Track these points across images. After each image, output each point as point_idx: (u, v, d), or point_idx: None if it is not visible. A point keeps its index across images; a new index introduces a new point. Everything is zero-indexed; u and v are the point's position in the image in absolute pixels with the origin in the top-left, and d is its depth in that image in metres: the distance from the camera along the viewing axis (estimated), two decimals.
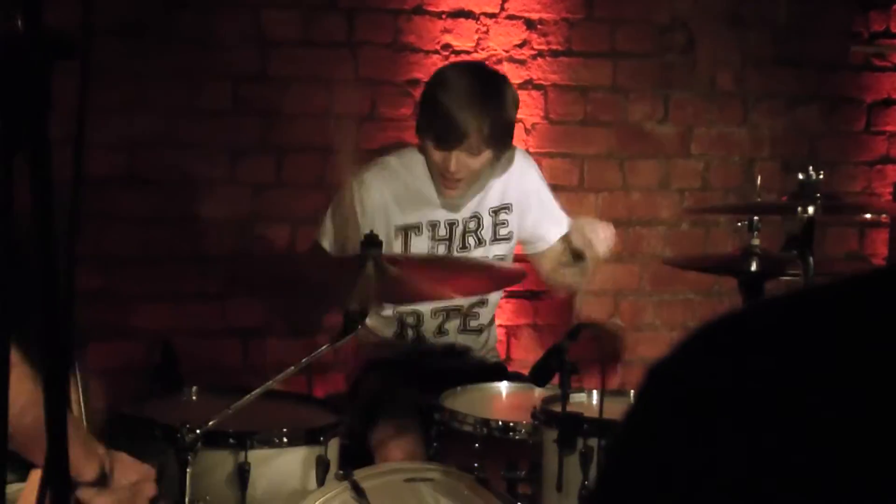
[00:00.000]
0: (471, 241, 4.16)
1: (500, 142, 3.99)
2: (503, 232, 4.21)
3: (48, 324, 1.35)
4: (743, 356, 0.84)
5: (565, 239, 4.19)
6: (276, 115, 4.89)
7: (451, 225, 4.13)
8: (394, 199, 4.08)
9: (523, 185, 4.24)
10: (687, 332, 0.89)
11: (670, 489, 0.83)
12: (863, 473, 0.77)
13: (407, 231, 4.09)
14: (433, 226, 4.12)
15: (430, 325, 4.20)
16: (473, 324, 4.26)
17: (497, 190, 4.18)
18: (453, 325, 4.22)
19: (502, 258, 4.21)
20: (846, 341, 0.82)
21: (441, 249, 4.12)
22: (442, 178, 4.01)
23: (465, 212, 4.14)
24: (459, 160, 3.93)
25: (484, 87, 3.98)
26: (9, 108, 1.28)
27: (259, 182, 4.89)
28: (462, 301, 4.18)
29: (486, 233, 4.18)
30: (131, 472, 2.34)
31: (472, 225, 4.16)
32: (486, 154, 3.95)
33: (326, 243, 4.08)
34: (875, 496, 0.77)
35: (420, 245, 4.10)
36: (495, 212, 4.18)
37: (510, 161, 4.16)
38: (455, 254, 4.13)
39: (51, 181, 1.30)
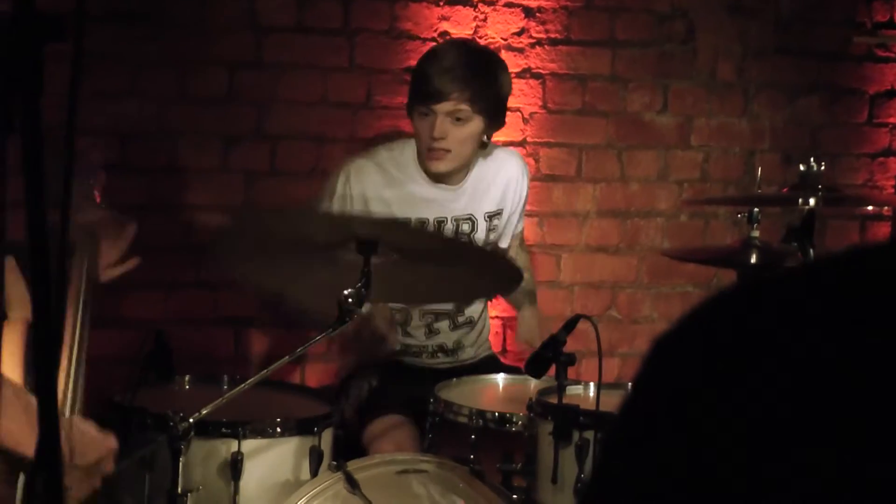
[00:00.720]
0: None
1: (489, 114, 3.99)
2: (492, 237, 4.20)
3: (39, 310, 1.32)
4: (748, 330, 0.83)
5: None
6: (271, 103, 4.85)
7: (440, 223, 4.09)
8: (382, 193, 4.03)
9: (518, 192, 4.28)
10: (695, 305, 0.88)
11: (673, 460, 0.82)
12: (863, 466, 0.76)
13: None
14: (422, 224, 4.07)
15: (416, 324, 4.17)
16: (462, 319, 4.22)
17: (495, 194, 4.17)
18: (443, 324, 4.19)
19: None
20: (852, 318, 0.81)
21: None
22: (427, 150, 3.98)
23: (458, 211, 4.10)
24: (444, 126, 3.92)
25: (470, 56, 4.02)
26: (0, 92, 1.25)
27: (252, 170, 4.85)
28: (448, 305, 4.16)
29: (480, 237, 4.15)
30: (91, 449, 2.30)
31: (465, 227, 4.12)
32: (474, 124, 3.95)
33: None
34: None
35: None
36: (490, 217, 4.16)
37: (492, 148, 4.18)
38: None
39: (42, 165, 1.26)
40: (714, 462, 0.79)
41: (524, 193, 4.28)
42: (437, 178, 4.07)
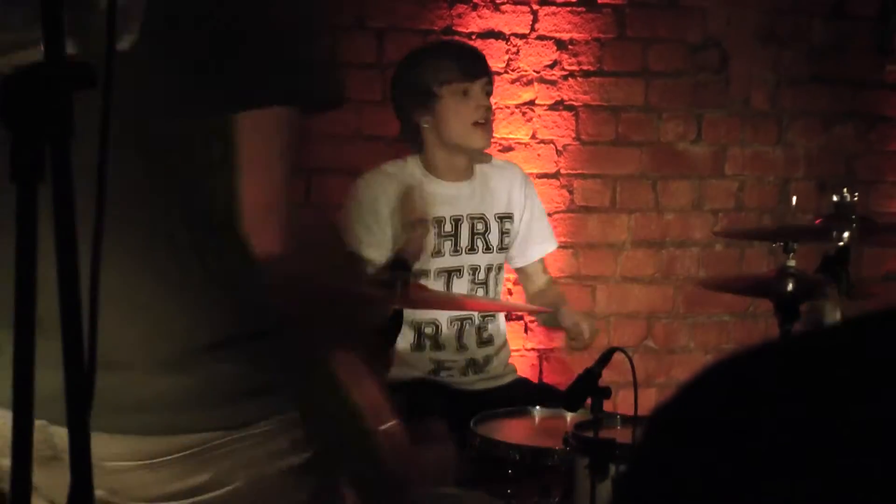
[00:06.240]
0: (479, 243, 4.21)
1: None
2: (506, 241, 4.29)
3: (68, 343, 1.32)
4: (749, 406, 0.82)
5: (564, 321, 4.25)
6: (305, 137, 4.84)
7: (457, 221, 4.18)
8: (395, 198, 4.09)
9: (522, 196, 4.34)
10: (693, 375, 0.86)
11: None
12: None
13: (415, 228, 4.09)
14: (439, 222, 4.17)
15: (448, 335, 4.17)
16: (486, 335, 4.24)
17: (502, 196, 4.25)
18: (471, 337, 4.20)
19: (500, 266, 4.31)
20: (854, 395, 0.79)
21: (447, 246, 4.17)
22: (473, 124, 4.10)
23: (471, 209, 4.18)
24: (486, 96, 4.12)
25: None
26: (31, 138, 1.25)
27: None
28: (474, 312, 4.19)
29: (494, 239, 4.25)
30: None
31: (479, 227, 4.20)
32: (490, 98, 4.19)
33: (366, 252, 4.03)
34: None
35: (427, 242, 4.13)
36: (501, 218, 4.23)
37: None
38: (463, 255, 4.19)
39: (73, 210, 1.26)
40: None
41: (532, 201, 4.37)
42: (454, 174, 4.19)
